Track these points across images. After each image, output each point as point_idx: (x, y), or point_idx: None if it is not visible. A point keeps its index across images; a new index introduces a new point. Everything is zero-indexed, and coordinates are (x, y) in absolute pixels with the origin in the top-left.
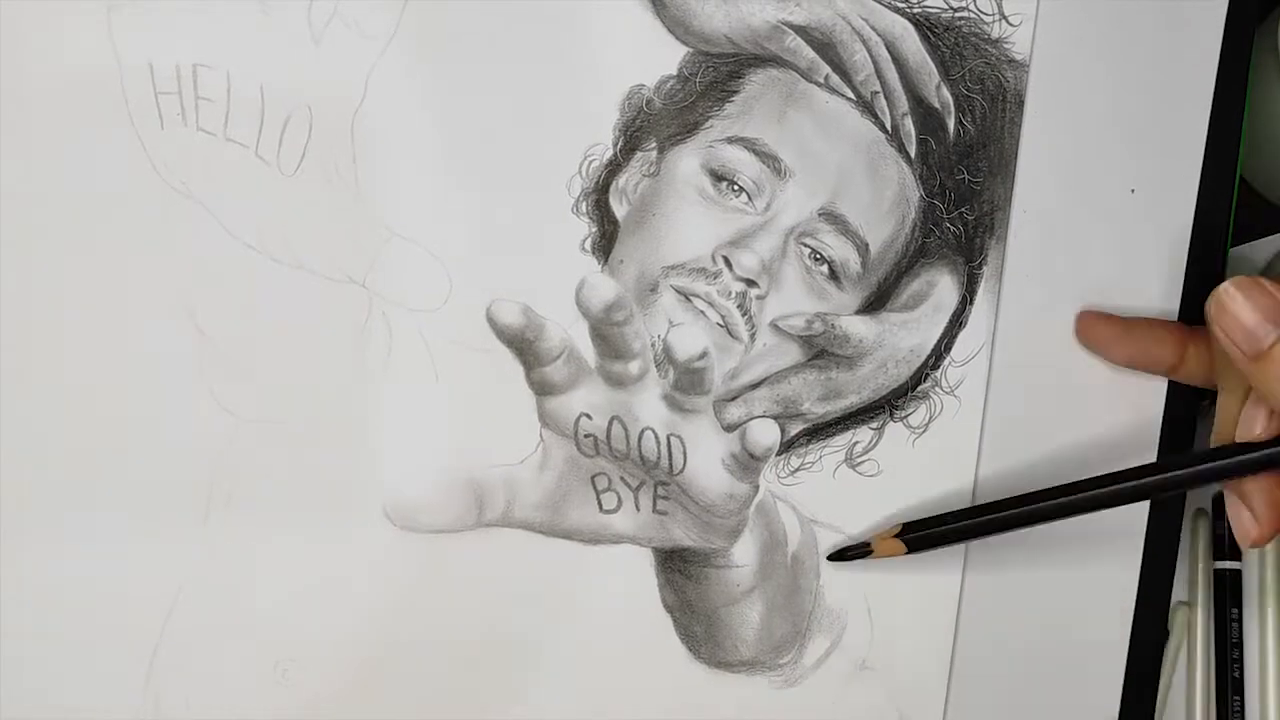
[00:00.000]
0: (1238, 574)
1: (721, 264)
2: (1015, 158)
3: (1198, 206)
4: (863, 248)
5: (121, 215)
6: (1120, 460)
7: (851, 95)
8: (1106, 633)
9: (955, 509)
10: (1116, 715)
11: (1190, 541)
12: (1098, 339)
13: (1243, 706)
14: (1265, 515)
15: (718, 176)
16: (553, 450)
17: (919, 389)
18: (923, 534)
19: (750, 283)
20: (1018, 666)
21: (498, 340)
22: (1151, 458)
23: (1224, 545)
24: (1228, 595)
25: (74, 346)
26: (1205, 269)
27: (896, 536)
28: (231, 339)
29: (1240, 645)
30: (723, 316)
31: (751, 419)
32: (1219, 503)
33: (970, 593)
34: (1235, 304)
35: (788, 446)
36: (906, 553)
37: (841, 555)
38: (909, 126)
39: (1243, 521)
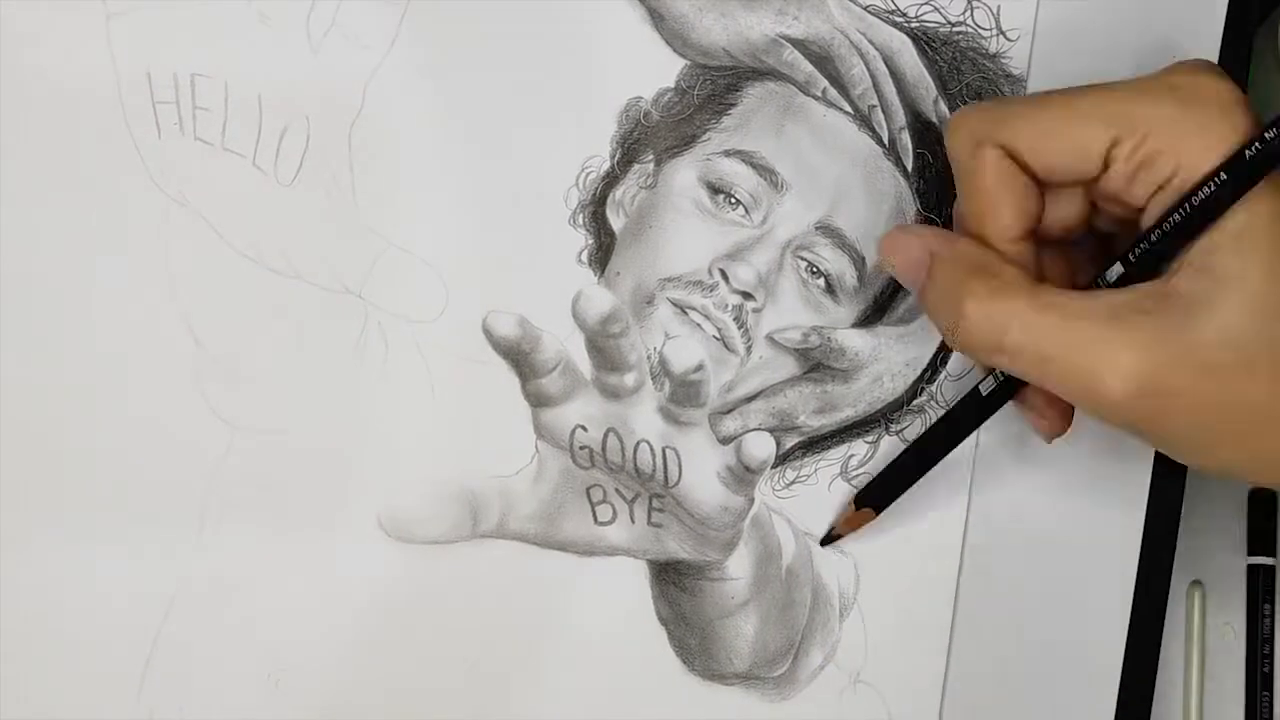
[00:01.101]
0: (1271, 569)
1: (718, 277)
2: None
3: None
4: (859, 261)
5: (118, 224)
6: (1116, 470)
7: (849, 109)
8: (1102, 640)
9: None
10: None
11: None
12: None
13: (1271, 702)
14: (1050, 413)
15: (715, 189)
16: (548, 462)
17: (914, 403)
18: (877, 491)
19: (747, 295)
20: (1013, 678)
21: (494, 352)
22: (1146, 470)
23: (1259, 540)
24: (1260, 590)
25: (70, 356)
26: None
27: (857, 510)
28: (227, 348)
29: (1272, 641)
30: (719, 329)
31: (747, 432)
32: (1255, 495)
33: (964, 604)
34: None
35: (783, 459)
36: (875, 516)
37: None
38: (906, 141)
39: (1039, 426)
